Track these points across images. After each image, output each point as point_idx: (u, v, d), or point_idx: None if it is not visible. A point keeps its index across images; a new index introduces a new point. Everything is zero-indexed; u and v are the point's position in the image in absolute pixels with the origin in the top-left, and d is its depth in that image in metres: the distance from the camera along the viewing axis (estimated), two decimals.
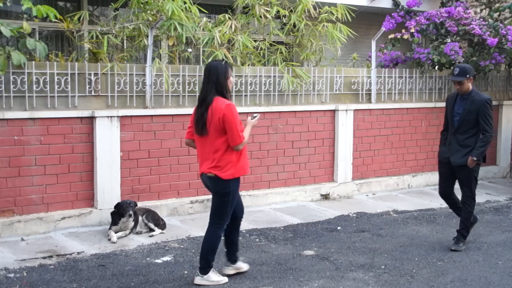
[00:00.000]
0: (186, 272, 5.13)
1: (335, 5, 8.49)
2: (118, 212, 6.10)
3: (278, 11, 8.01)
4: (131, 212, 6.09)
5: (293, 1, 8.24)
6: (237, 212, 5.00)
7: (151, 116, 6.80)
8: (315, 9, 8.22)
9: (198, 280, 4.82)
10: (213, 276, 4.85)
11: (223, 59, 4.84)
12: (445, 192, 6.16)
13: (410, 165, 9.04)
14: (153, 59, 6.95)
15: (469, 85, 5.91)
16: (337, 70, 8.43)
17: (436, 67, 9.38)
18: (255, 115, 4.93)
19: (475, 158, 5.80)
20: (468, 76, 5.81)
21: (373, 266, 5.38)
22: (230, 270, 5.03)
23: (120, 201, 6.36)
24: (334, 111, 8.20)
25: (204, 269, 4.81)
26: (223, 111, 4.56)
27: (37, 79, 6.20)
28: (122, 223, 6.12)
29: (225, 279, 4.90)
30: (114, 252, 5.66)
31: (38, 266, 5.21)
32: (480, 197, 8.50)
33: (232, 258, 5.04)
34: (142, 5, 7.15)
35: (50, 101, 6.30)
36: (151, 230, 6.28)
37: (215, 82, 4.63)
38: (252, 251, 5.77)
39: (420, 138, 9.07)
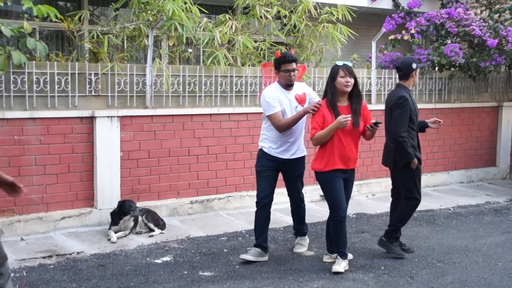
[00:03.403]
0: (185, 272, 5.13)
1: (335, 5, 8.50)
2: (121, 211, 6.10)
3: (278, 12, 8.02)
4: (139, 209, 6.17)
5: (294, 1, 8.24)
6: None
7: (151, 116, 6.80)
8: (315, 9, 8.22)
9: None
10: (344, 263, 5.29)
11: (343, 63, 5.14)
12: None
13: None
14: (153, 59, 6.95)
15: None
16: None
17: (436, 68, 9.39)
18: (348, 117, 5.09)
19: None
20: None
21: (372, 267, 5.38)
22: (328, 259, 5.46)
23: (122, 200, 6.36)
24: None
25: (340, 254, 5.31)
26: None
27: (37, 79, 6.21)
28: (122, 223, 6.12)
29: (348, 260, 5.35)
30: (113, 252, 5.66)
31: (38, 266, 5.21)
32: (480, 198, 8.51)
33: (330, 248, 5.47)
34: (142, 5, 7.16)
35: (50, 101, 6.30)
36: (151, 230, 6.28)
37: (327, 83, 5.16)
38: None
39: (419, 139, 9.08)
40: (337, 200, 5.17)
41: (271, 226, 6.64)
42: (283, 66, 5.25)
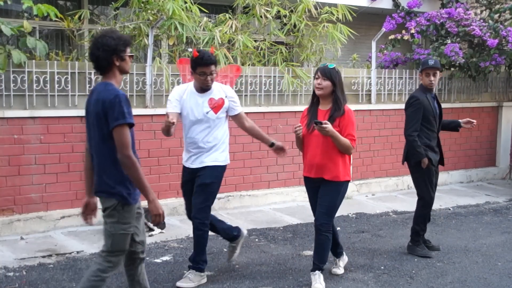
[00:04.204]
0: (185, 272, 5.12)
1: (335, 5, 8.50)
2: None
3: (278, 11, 8.01)
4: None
5: (294, 1, 8.24)
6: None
7: (151, 115, 6.80)
8: (315, 9, 8.22)
9: None
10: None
11: (326, 64, 4.77)
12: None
13: None
14: (153, 58, 6.95)
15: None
16: None
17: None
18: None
19: None
20: (441, 70, 5.63)
21: (372, 266, 5.38)
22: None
23: None
24: None
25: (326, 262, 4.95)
26: None
27: (37, 78, 6.20)
28: None
29: None
30: None
31: (38, 265, 5.21)
32: (480, 199, 8.52)
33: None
34: (142, 5, 7.15)
35: (50, 100, 6.30)
36: (151, 229, 6.27)
37: None
38: (252, 251, 5.77)
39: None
40: (312, 208, 4.94)
41: (270, 225, 6.67)
42: (199, 69, 4.60)
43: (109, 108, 3.44)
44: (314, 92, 4.79)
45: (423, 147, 5.57)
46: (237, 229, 5.25)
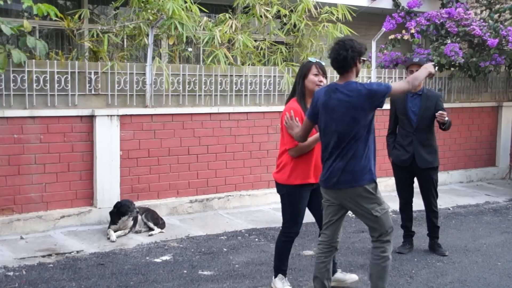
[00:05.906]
0: (185, 271, 5.13)
1: (335, 5, 8.50)
2: (119, 211, 6.10)
3: (278, 11, 8.02)
4: (137, 209, 6.17)
5: (294, 1, 8.24)
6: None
7: (151, 115, 6.80)
8: (315, 9, 8.22)
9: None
10: (277, 283, 4.68)
11: (316, 60, 4.44)
12: (408, 201, 5.99)
13: None
14: (153, 58, 6.95)
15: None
16: None
17: (436, 68, 9.38)
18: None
19: (446, 118, 5.61)
20: None
21: None
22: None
23: (120, 200, 6.36)
24: None
25: (276, 272, 4.72)
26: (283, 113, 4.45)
27: (37, 77, 6.20)
28: (122, 222, 6.11)
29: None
30: (113, 251, 5.66)
31: (37, 265, 5.21)
32: (480, 198, 8.52)
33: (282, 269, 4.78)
34: (142, 4, 7.16)
35: (50, 99, 6.30)
36: (151, 229, 6.27)
37: (296, 81, 4.49)
38: (252, 251, 5.77)
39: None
40: (300, 218, 4.58)
41: (270, 225, 6.67)
42: None
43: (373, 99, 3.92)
44: (299, 88, 4.45)
45: (395, 145, 5.86)
46: None
